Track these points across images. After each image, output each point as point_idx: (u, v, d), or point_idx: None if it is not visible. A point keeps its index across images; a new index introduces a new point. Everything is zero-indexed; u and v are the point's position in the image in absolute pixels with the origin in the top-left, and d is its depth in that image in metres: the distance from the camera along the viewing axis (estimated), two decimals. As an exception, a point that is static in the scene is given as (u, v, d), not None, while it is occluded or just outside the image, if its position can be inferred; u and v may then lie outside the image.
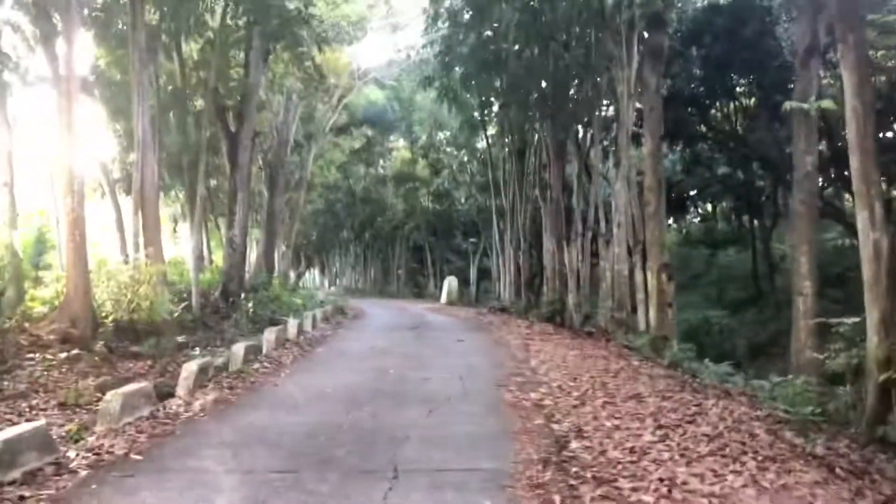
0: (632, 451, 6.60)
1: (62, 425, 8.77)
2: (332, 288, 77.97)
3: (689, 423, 7.76)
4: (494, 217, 29.84)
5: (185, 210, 24.57)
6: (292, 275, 43.50)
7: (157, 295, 13.85)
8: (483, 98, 23.76)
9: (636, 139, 18.16)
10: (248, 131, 19.59)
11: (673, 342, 14.06)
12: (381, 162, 53.53)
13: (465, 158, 38.44)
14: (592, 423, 7.59)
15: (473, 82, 22.34)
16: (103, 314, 13.96)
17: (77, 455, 6.46)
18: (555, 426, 7.46)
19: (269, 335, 13.65)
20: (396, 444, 6.69)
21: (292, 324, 15.73)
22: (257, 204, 35.97)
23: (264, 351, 13.17)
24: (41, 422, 6.68)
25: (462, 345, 14.53)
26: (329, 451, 6.49)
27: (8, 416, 9.09)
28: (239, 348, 11.64)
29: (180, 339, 14.17)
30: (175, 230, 34.53)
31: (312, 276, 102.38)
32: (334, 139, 44.86)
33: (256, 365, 11.48)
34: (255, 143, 20.48)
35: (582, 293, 19.61)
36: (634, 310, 16.90)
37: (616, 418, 7.87)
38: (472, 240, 41.04)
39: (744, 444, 7.00)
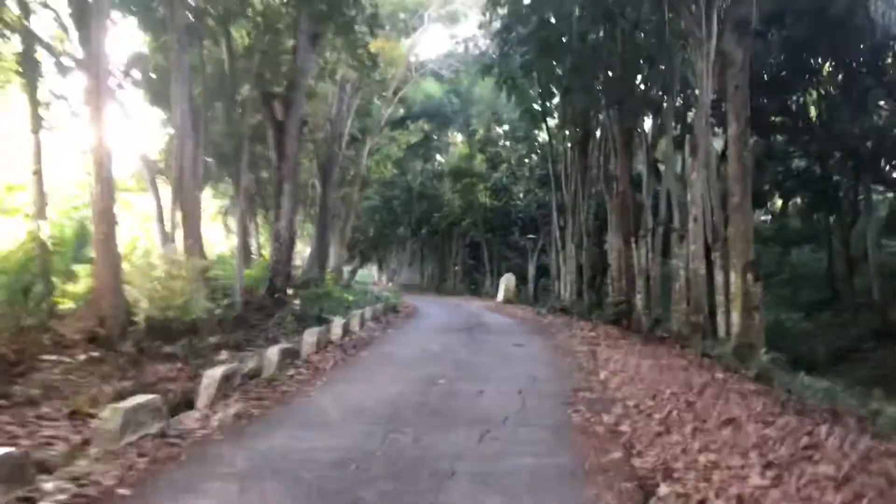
0: (739, 501, 5.16)
1: (67, 439, 7.77)
2: (390, 284, 77.56)
3: (805, 459, 6.23)
4: (554, 212, 28.29)
5: (234, 202, 23.81)
6: (347, 270, 42.68)
7: (192, 291, 12.87)
8: (544, 85, 22.26)
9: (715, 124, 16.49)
10: (295, 119, 18.57)
11: (760, 351, 12.43)
12: (439, 157, 52.45)
13: (524, 152, 36.91)
14: (683, 459, 6.14)
15: (534, 68, 20.89)
16: (140, 311, 13.07)
17: (55, 488, 5.36)
18: (636, 461, 6.06)
19: (310, 337, 12.53)
20: (440, 483, 5.39)
21: (337, 324, 14.62)
22: (310, 198, 35.24)
23: (303, 354, 12.06)
24: (12, 448, 5.58)
25: (521, 350, 13.16)
26: (356, 491, 5.23)
27: (9, 428, 8.13)
28: (273, 352, 10.53)
29: (213, 339, 13.16)
30: (226, 224, 33.93)
31: (370, 272, 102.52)
32: (391, 133, 44.01)
33: (292, 371, 10.35)
34: (302, 133, 19.44)
35: (652, 294, 17.99)
36: (712, 313, 15.26)
37: (711, 451, 6.39)
38: (530, 236, 39.46)
39: (882, 493, 5.48)
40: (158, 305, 12.63)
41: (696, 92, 17.02)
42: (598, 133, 23.79)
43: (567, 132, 25.46)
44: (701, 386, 9.74)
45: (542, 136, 32.89)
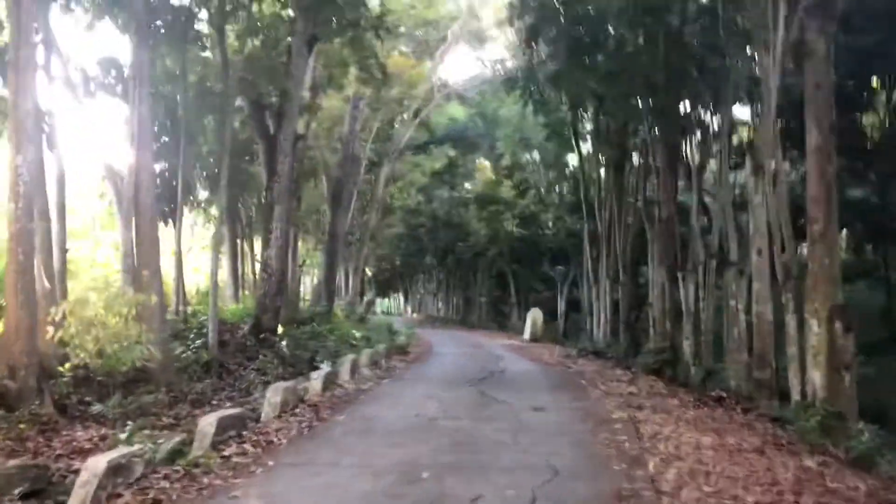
0: None
1: None
2: (415, 315, 75.13)
3: None
4: (586, 242, 25.51)
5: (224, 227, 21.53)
6: (364, 301, 40.11)
7: (135, 333, 10.37)
8: (575, 97, 19.54)
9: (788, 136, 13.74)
10: (288, 134, 16.19)
11: (854, 423, 9.58)
12: (465, 185, 50.11)
13: (554, 176, 34.21)
14: None
15: (563, 77, 18.31)
16: (79, 357, 10.59)
17: None
18: None
19: (275, 396, 9.92)
20: None
21: (318, 375, 12.00)
22: (323, 225, 33.05)
23: (263, 418, 9.48)
24: None
25: (541, 418, 10.35)
26: None
27: None
28: (209, 423, 7.91)
29: (157, 394, 10.61)
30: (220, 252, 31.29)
31: (397, 303, 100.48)
32: (414, 158, 41.87)
33: (231, 448, 7.72)
34: (297, 148, 17.05)
35: (703, 341, 15.12)
36: (781, 368, 12.42)
37: None
38: (559, 267, 36.52)
39: None
40: (90, 350, 10.15)
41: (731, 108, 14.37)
42: (635, 154, 21.17)
43: (601, 154, 22.77)
44: (792, 485, 6.93)
45: (573, 161, 30.37)
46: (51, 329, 10.03)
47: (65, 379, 10.12)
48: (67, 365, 10.15)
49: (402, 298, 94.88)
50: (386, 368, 15.68)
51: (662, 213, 16.98)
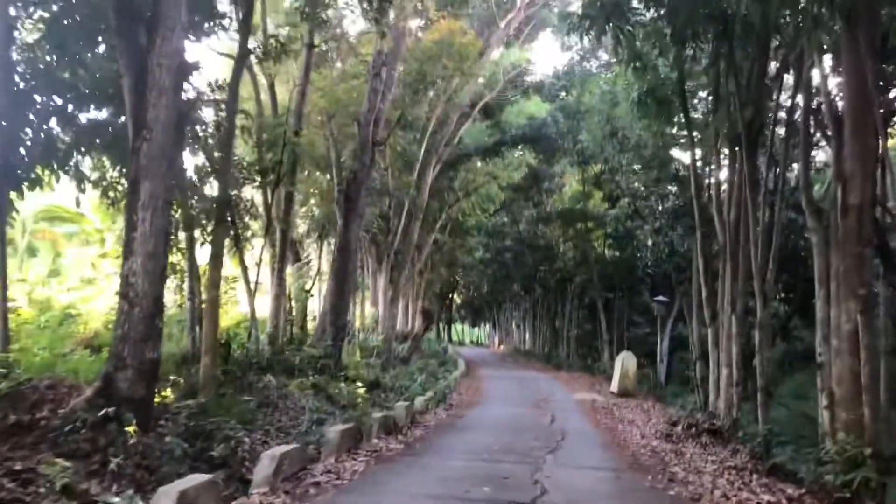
0: None
1: None
2: (502, 346, 68.44)
3: None
4: (698, 260, 17.30)
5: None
6: (426, 338, 32.80)
7: None
8: (681, 16, 11.48)
9: None
10: (165, 55, 9.16)
11: None
12: (550, 199, 42.54)
13: (654, 176, 25.98)
14: None
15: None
16: None
17: None
18: None
19: None
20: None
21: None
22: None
23: None
24: None
25: None
26: None
27: None
28: None
29: None
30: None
31: (486, 332, 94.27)
32: (487, 168, 34.87)
33: None
34: (180, 83, 10.04)
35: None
36: None
37: None
38: (659, 298, 27.81)
39: None
40: None
41: None
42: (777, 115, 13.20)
43: (724, 123, 14.64)
44: None
45: (678, 154, 22.48)
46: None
47: None
48: None
49: (490, 328, 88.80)
50: (301, 495, 8.12)
51: (851, 197, 8.96)
